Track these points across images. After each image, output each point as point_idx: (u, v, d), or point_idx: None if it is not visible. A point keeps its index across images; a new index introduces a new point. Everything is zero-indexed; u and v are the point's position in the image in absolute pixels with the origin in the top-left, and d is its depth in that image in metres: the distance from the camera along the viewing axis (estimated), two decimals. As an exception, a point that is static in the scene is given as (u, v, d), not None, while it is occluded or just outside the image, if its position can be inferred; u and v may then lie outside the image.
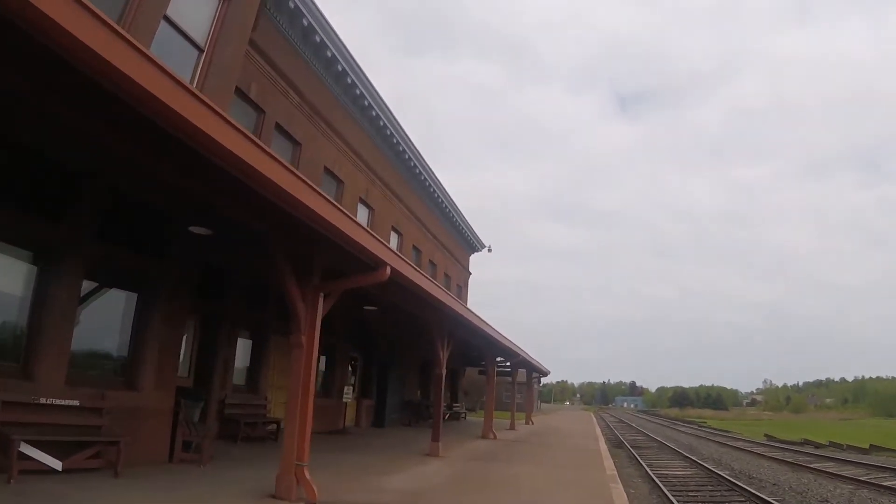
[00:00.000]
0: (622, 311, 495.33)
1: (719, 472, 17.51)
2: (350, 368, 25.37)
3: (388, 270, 9.30)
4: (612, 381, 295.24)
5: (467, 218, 39.50)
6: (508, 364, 34.16)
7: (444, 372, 17.08)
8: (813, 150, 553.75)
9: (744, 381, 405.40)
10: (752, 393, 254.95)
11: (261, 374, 18.29)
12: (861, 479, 17.06)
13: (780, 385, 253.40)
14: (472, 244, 41.63)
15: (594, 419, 58.10)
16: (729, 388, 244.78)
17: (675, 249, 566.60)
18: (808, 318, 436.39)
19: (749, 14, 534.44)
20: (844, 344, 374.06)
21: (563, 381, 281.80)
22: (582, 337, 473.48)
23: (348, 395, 21.85)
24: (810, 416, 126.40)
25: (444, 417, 33.80)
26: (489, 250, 43.49)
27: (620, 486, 12.85)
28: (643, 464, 19.39)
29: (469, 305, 24.49)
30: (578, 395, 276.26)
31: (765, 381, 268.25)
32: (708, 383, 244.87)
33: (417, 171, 29.67)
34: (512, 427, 30.88)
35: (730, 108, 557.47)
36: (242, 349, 18.39)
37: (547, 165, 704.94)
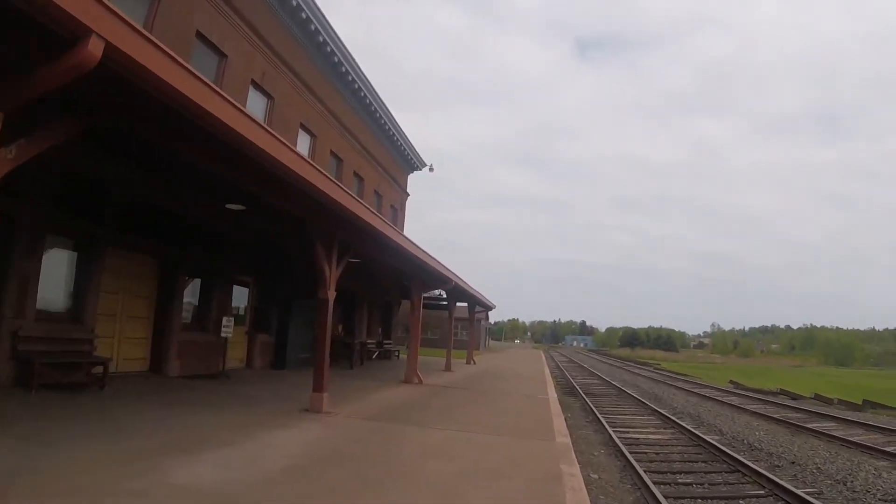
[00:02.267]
0: (578, 255, 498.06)
1: (706, 438, 13.08)
2: (248, 298, 20.45)
3: (96, 46, 4.21)
4: (562, 321, 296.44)
5: (409, 136, 34.43)
6: (444, 295, 29.70)
7: (330, 295, 12.26)
8: (774, 109, 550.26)
9: (691, 324, 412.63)
10: (699, 336, 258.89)
11: (86, 299, 13.27)
12: (889, 450, 12.80)
13: (727, 329, 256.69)
14: (411, 162, 36.42)
15: (543, 358, 54.23)
16: (677, 330, 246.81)
17: (635, 201, 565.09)
18: (757, 269, 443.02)
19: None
20: (791, 295, 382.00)
21: (514, 318, 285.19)
22: (537, 279, 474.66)
23: (228, 328, 16.92)
24: (760, 361, 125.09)
25: (370, 356, 29.45)
26: (431, 169, 38.29)
27: (577, 469, 8.22)
28: (604, 422, 14.95)
29: (421, 243, 19.78)
30: (529, 334, 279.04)
31: (713, 325, 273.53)
32: (657, 325, 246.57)
33: (343, 68, 24.26)
34: (447, 368, 26.41)
35: (694, 63, 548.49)
36: (61, 264, 13.27)
37: (509, 113, 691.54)
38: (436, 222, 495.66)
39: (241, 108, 6.57)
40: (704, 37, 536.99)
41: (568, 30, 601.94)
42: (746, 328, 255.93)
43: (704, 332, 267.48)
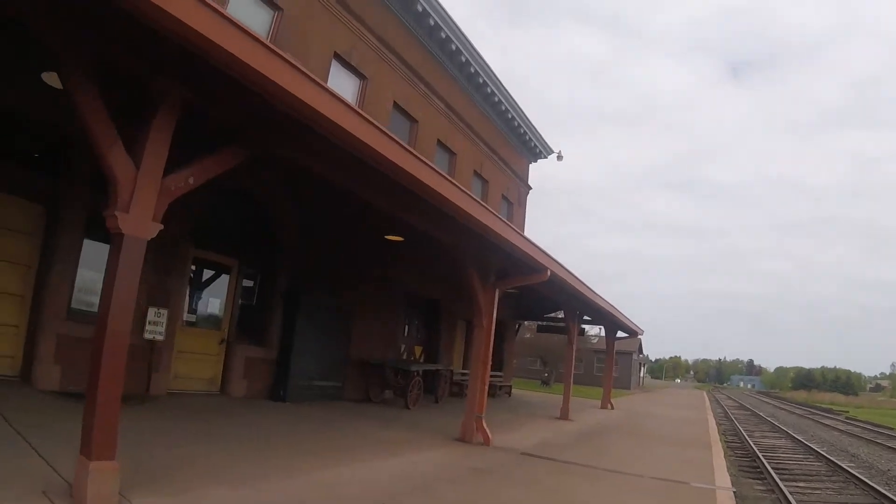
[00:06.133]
0: (739, 287, 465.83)
1: None
2: (227, 288, 13.51)
3: None
4: (727, 359, 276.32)
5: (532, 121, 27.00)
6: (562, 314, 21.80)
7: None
8: None
9: (866, 363, 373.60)
10: (876, 377, 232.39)
11: None
12: None
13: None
14: (532, 148, 28.54)
15: (707, 403, 44.33)
16: (853, 371, 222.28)
17: (797, 226, 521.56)
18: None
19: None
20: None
21: (676, 356, 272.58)
22: (697, 313, 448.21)
23: (158, 326, 10.31)
24: None
25: (465, 391, 21.76)
26: (559, 157, 30.27)
27: None
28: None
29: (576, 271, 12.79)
30: (692, 373, 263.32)
31: (893, 365, 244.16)
32: (829, 364, 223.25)
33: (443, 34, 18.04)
34: (563, 415, 18.24)
35: (845, 76, 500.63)
36: None
37: (658, 137, 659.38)
38: (586, 252, 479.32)
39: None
40: (856, 47, 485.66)
41: (715, 51, 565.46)
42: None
43: (881, 373, 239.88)
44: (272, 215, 13.55)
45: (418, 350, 20.09)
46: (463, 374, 21.98)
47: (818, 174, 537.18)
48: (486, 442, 10.75)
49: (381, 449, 9.03)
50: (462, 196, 8.50)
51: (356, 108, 6.18)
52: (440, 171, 8.04)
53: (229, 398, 12.32)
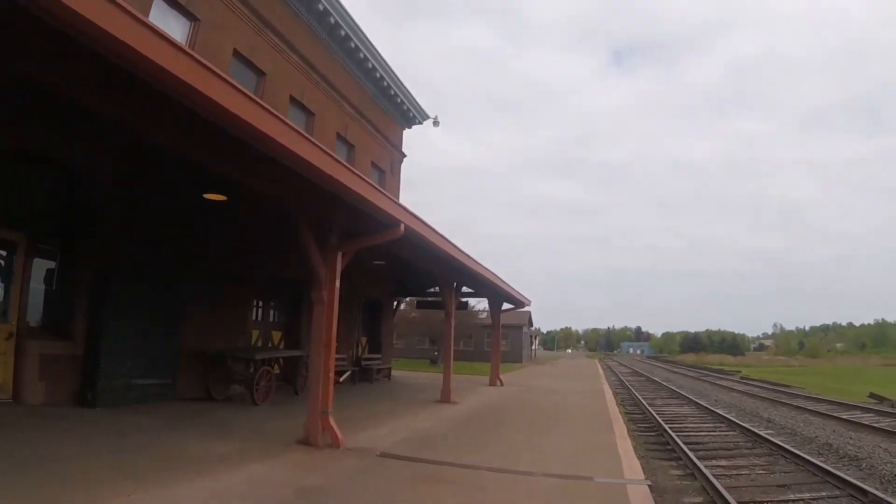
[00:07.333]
0: (626, 261, 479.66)
1: None
2: (13, 269, 10.79)
3: None
4: (616, 327, 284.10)
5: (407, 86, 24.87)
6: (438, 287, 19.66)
7: None
8: (811, 103, 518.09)
9: (748, 325, 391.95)
10: (759, 337, 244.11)
11: None
12: None
13: (788, 329, 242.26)
14: (405, 112, 26.32)
15: (600, 370, 43.62)
16: (738, 332, 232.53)
17: (679, 203, 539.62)
18: (810, 266, 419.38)
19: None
20: (848, 290, 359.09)
21: (567, 327, 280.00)
22: (587, 286, 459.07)
23: None
24: (836, 361, 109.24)
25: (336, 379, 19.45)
26: (435, 123, 28.23)
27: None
28: None
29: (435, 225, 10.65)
30: (583, 342, 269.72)
31: (775, 325, 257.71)
32: (714, 328, 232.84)
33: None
34: (444, 398, 16.27)
35: (726, 62, 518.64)
36: None
37: (546, 124, 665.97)
38: (478, 235, 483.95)
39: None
40: (736, 35, 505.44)
41: (600, 38, 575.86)
42: (807, 327, 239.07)
43: (763, 334, 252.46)
44: (75, 179, 10.88)
45: (277, 336, 17.58)
46: (338, 359, 19.68)
47: (702, 154, 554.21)
48: (336, 444, 8.53)
49: (191, 467, 6.67)
50: (277, 125, 6.23)
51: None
52: (246, 91, 5.78)
53: (22, 407, 9.62)
